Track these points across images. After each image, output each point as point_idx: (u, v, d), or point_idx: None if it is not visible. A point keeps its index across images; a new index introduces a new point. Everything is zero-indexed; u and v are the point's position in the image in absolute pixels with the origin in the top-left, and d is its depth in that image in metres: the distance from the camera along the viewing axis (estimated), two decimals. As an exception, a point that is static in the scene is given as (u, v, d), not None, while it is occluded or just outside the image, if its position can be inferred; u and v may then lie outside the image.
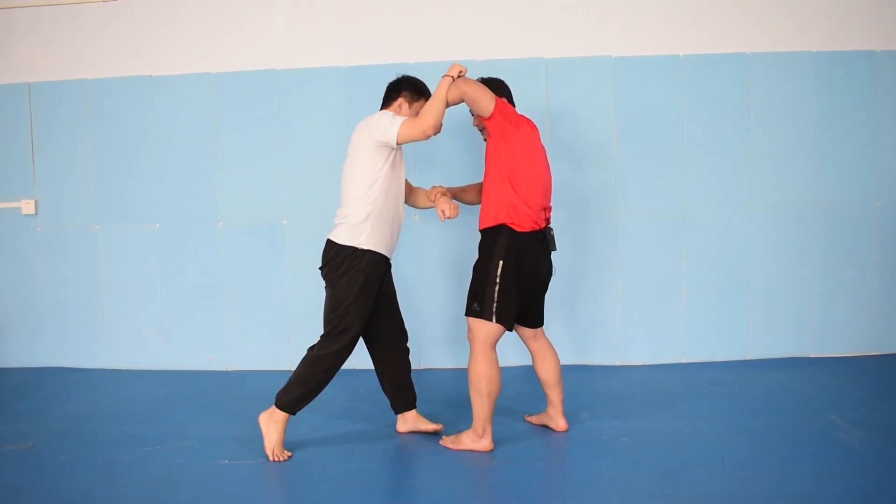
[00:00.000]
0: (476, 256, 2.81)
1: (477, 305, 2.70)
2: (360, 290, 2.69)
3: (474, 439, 2.72)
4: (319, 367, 2.70)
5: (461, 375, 3.74)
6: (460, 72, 2.74)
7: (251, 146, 3.88)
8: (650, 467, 2.53)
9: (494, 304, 2.66)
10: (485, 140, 2.85)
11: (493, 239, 2.70)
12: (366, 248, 2.69)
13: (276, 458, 2.66)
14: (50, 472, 2.63)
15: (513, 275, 2.68)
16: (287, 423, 2.72)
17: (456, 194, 3.06)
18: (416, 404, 2.97)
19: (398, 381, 2.93)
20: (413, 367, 3.83)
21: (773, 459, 2.56)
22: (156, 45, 3.92)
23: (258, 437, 2.89)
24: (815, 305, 3.83)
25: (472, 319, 2.72)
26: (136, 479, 2.55)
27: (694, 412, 3.07)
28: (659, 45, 3.78)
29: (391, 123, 2.66)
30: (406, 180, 2.98)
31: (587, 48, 3.78)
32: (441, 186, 2.96)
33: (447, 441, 2.78)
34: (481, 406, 2.68)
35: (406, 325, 3.01)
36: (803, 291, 3.82)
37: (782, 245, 3.81)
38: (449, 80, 2.70)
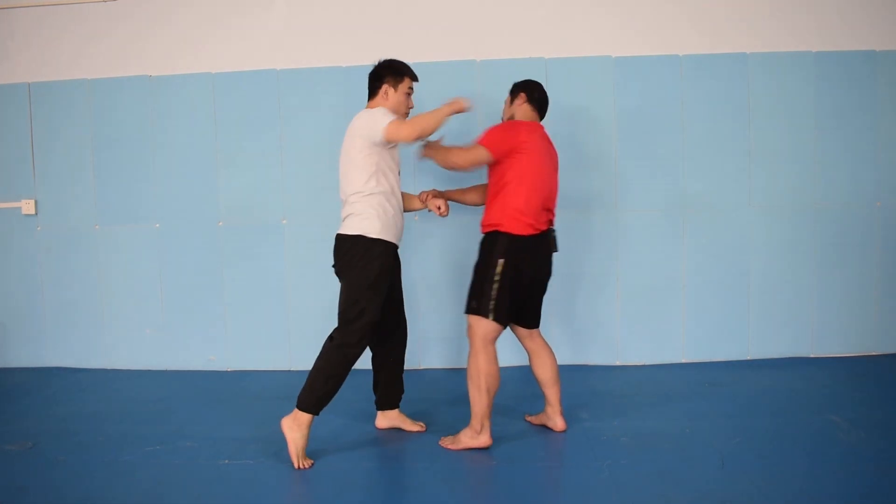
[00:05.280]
0: (475, 256, 2.83)
1: (475, 303, 2.74)
2: (375, 278, 2.70)
3: (472, 436, 2.73)
4: (340, 358, 2.67)
5: (459, 375, 3.75)
6: (459, 109, 2.70)
7: (251, 146, 3.88)
8: (650, 467, 2.53)
9: (492, 302, 2.71)
10: None
11: (494, 240, 2.76)
12: (375, 236, 2.71)
13: (301, 466, 2.61)
14: (50, 472, 2.63)
15: (512, 274, 2.72)
16: (311, 425, 2.69)
17: (457, 196, 3.11)
18: (400, 404, 3.02)
19: (390, 378, 2.96)
20: (412, 366, 3.85)
21: (773, 459, 2.56)
22: (156, 45, 3.93)
23: (258, 438, 2.90)
24: (815, 305, 3.83)
25: (471, 317, 2.76)
26: (136, 479, 2.55)
27: (694, 412, 3.07)
28: (659, 45, 3.78)
29: (380, 120, 2.67)
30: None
31: (587, 48, 3.78)
32: (431, 190, 3.08)
33: (446, 442, 2.79)
34: (480, 402, 2.70)
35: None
36: (803, 291, 3.83)
37: (782, 245, 3.81)
38: (449, 110, 2.69)
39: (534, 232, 2.76)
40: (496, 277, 2.71)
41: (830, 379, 3.49)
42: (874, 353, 3.83)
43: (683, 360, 3.85)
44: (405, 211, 3.04)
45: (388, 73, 2.83)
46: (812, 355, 3.84)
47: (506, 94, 3.85)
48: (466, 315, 2.78)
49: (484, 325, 2.72)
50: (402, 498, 2.41)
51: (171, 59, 3.91)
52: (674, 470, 2.51)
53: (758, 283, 3.82)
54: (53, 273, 4.02)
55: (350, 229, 2.73)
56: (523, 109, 2.91)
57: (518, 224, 2.73)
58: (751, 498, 2.29)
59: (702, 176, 3.79)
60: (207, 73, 3.88)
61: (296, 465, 2.61)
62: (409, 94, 2.87)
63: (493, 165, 2.81)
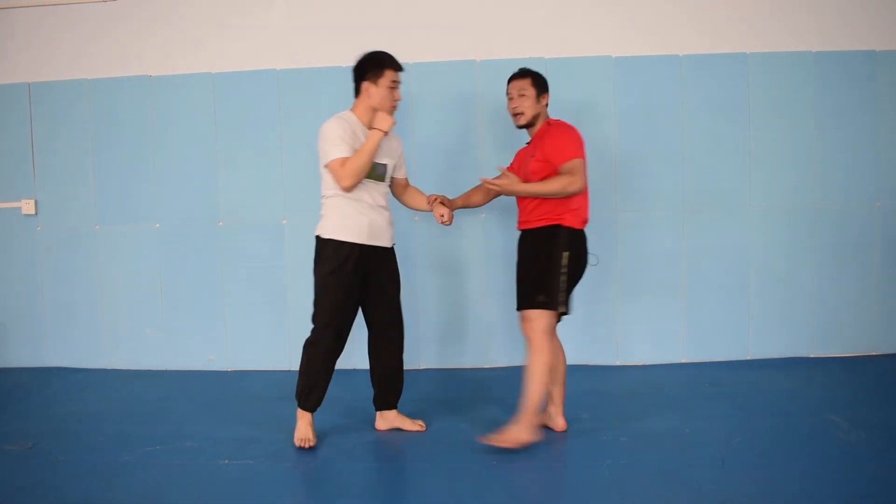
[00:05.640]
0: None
1: (543, 297, 2.73)
2: (324, 277, 2.77)
3: (529, 430, 2.69)
4: (308, 355, 2.81)
5: (458, 375, 3.75)
6: (387, 128, 2.73)
7: (251, 146, 3.88)
8: (650, 467, 2.53)
9: (564, 294, 2.74)
10: (519, 126, 2.90)
11: (553, 234, 2.76)
12: (326, 237, 2.77)
13: (300, 444, 2.78)
14: (50, 472, 2.63)
15: (574, 266, 2.77)
16: (310, 420, 2.83)
17: (462, 202, 3.11)
18: (398, 404, 3.01)
19: (381, 377, 2.97)
20: (412, 367, 3.84)
21: (773, 459, 2.56)
22: (156, 45, 3.92)
23: (258, 437, 2.91)
24: (815, 305, 3.83)
25: (534, 312, 2.74)
26: (136, 479, 2.55)
27: (694, 412, 3.07)
28: (659, 45, 3.78)
29: (329, 151, 2.71)
30: (403, 179, 3.01)
31: (587, 48, 3.78)
32: (440, 195, 3.03)
33: (498, 441, 2.69)
34: (538, 396, 2.71)
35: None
36: (803, 291, 3.82)
37: (782, 245, 3.81)
38: (380, 134, 2.70)
39: (584, 226, 2.82)
40: (563, 269, 2.73)
41: (830, 379, 3.49)
42: (874, 353, 3.83)
43: (683, 360, 3.85)
44: (414, 209, 3.07)
45: (368, 69, 2.78)
46: (812, 355, 3.84)
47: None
48: (524, 311, 2.77)
49: (548, 319, 2.74)
50: (402, 498, 2.41)
51: (171, 59, 3.91)
52: (674, 470, 2.51)
53: (758, 283, 3.82)
54: (53, 273, 4.02)
55: (316, 230, 2.84)
56: (545, 111, 2.92)
57: (577, 219, 2.77)
58: (751, 498, 2.29)
59: (702, 176, 3.79)
60: (207, 73, 3.88)
61: (296, 444, 2.79)
62: (393, 88, 2.78)
63: (543, 162, 2.77)
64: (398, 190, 3.03)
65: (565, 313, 2.81)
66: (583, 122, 3.78)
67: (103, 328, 4.01)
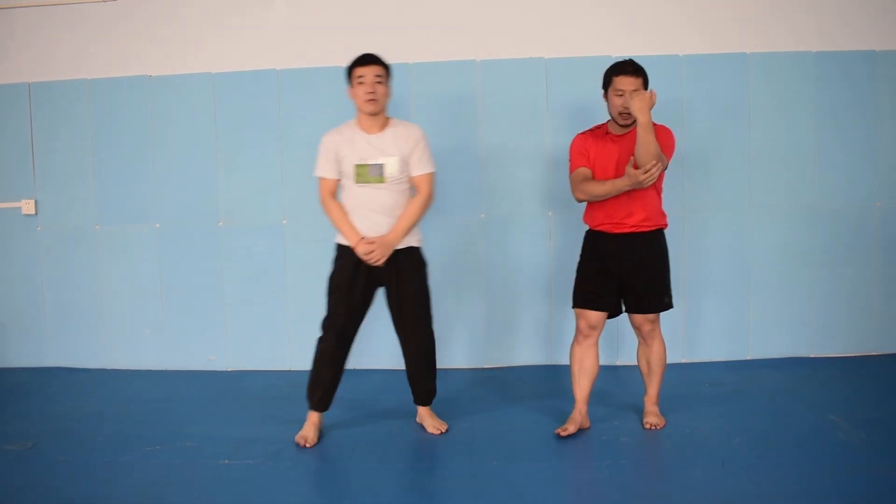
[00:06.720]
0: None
1: (667, 298, 2.89)
2: (329, 279, 2.89)
3: (658, 414, 2.94)
4: (315, 353, 2.90)
5: (455, 375, 3.74)
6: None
7: (251, 146, 3.88)
8: (650, 467, 2.53)
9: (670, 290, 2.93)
10: (625, 125, 2.93)
11: (659, 238, 2.89)
12: (336, 241, 2.91)
13: (299, 441, 2.83)
14: (50, 472, 2.63)
15: None
16: (316, 420, 2.90)
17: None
18: (430, 403, 3.02)
19: (408, 376, 3.01)
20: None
21: (773, 459, 2.56)
22: (156, 45, 3.92)
23: (258, 437, 2.91)
24: (815, 305, 3.83)
25: (657, 315, 2.89)
26: (136, 479, 2.56)
27: (694, 412, 3.07)
28: (659, 45, 3.78)
29: (317, 163, 2.87)
30: (416, 177, 2.87)
31: (587, 48, 3.77)
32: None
33: (653, 425, 2.89)
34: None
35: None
36: (803, 291, 3.82)
37: (782, 245, 3.81)
38: (352, 242, 2.81)
39: None
40: (669, 269, 2.91)
41: (830, 379, 3.49)
42: (874, 353, 3.83)
43: (683, 360, 3.84)
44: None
45: (346, 78, 2.90)
46: (812, 355, 3.84)
47: (507, 93, 3.87)
48: (650, 314, 2.86)
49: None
50: (403, 498, 2.41)
51: (171, 59, 3.90)
52: (674, 470, 2.51)
53: (757, 283, 3.82)
54: (54, 273, 4.02)
55: None
56: None
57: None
58: (751, 498, 2.29)
59: (702, 176, 3.79)
60: (207, 73, 3.88)
61: (295, 440, 2.83)
62: (360, 84, 2.79)
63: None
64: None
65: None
66: (583, 122, 3.78)
67: (103, 328, 4.01)
